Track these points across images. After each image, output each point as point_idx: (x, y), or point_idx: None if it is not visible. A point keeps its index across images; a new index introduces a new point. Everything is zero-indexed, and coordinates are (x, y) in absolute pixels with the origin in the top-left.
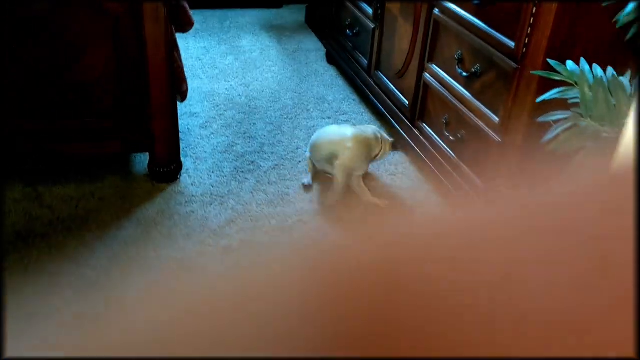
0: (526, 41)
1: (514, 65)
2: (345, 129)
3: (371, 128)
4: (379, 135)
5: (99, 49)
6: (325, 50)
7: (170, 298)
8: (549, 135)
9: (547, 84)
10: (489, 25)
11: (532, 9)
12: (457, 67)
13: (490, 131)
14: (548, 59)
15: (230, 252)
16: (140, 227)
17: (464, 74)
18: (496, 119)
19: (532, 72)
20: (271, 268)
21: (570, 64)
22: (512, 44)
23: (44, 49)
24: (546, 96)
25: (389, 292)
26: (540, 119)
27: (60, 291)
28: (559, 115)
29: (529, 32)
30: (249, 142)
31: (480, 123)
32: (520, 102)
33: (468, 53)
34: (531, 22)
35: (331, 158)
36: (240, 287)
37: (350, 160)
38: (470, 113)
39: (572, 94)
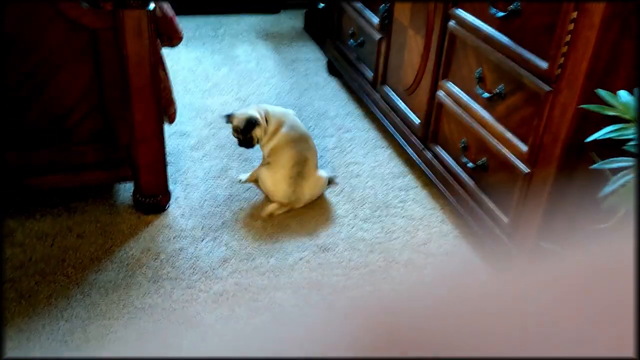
0: (562, 61)
1: (546, 87)
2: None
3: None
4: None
5: (76, 68)
6: (326, 60)
7: None
8: (607, 190)
9: (589, 112)
10: (515, 41)
11: (569, 24)
12: (477, 86)
13: (516, 160)
14: (596, 89)
15: (223, 300)
16: (123, 269)
17: (486, 94)
18: (524, 147)
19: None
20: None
21: (624, 94)
22: (544, 64)
23: (12, 70)
24: (597, 135)
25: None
26: (596, 166)
27: (30, 351)
28: (619, 162)
29: (565, 50)
30: (245, 166)
31: (505, 150)
32: (554, 129)
33: (490, 71)
34: (568, 38)
35: None
36: None
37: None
38: (493, 139)
39: (629, 134)
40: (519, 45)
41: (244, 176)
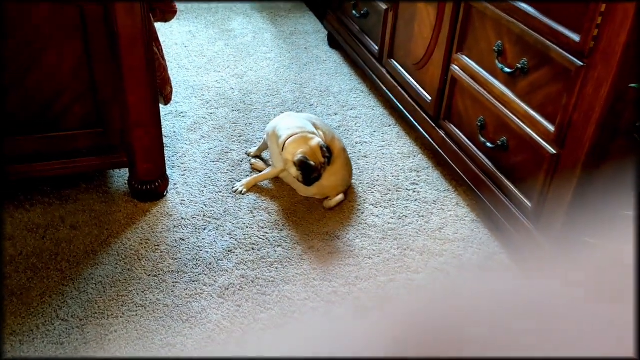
0: (596, 33)
1: (578, 62)
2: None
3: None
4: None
5: (63, 48)
6: (326, 32)
7: None
8: None
9: (625, 90)
10: (541, 12)
11: None
12: (496, 60)
13: (542, 141)
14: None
15: (230, 294)
16: (121, 262)
17: (507, 69)
18: (550, 127)
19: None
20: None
21: None
22: (575, 36)
23: None
24: None
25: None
26: None
27: (23, 354)
28: None
29: (599, 21)
30: (246, 147)
31: (528, 130)
32: (586, 108)
33: (511, 44)
34: (604, 8)
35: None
36: None
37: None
38: (515, 117)
39: None
40: (546, 16)
41: (242, 185)
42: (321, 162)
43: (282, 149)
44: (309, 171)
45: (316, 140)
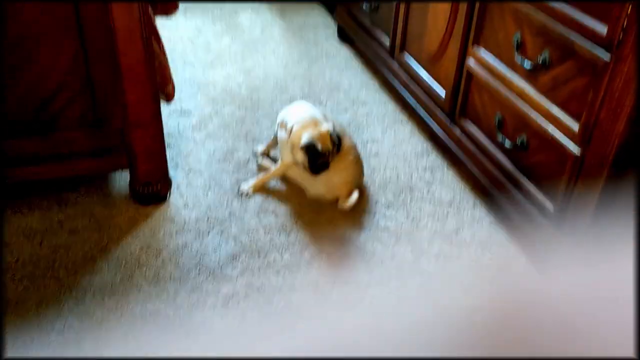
0: (625, 24)
1: (605, 56)
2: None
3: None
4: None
5: (57, 45)
6: (336, 25)
7: None
8: None
9: None
10: (564, 1)
11: None
12: (515, 53)
13: (565, 140)
14: None
15: (234, 303)
16: (120, 270)
17: (527, 63)
18: (574, 125)
19: None
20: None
21: None
22: (602, 27)
23: None
24: None
25: None
26: None
27: None
28: None
29: (630, 10)
30: (253, 146)
31: (550, 128)
32: (614, 105)
33: (532, 36)
34: None
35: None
36: None
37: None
38: (536, 114)
39: None
40: (570, 5)
41: (248, 186)
42: (329, 149)
43: (290, 135)
44: (315, 155)
45: (326, 126)
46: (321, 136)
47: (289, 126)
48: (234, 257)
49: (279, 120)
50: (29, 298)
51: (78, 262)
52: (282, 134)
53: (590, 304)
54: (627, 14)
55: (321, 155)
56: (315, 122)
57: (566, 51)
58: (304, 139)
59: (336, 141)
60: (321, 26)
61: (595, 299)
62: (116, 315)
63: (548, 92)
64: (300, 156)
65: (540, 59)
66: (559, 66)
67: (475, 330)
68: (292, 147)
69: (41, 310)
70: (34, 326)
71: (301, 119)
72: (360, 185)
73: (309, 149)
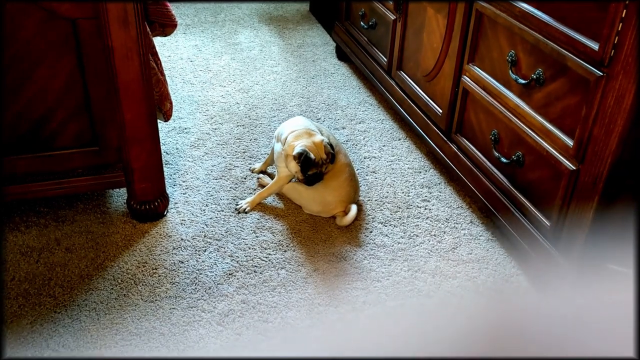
0: (616, 41)
1: (597, 72)
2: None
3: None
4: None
5: (55, 64)
6: (334, 44)
7: None
8: None
9: None
10: (557, 19)
11: None
12: (510, 71)
13: (559, 156)
14: None
15: (229, 321)
16: (116, 287)
17: (521, 80)
18: (569, 141)
19: None
20: None
21: None
22: (594, 44)
23: None
24: None
25: None
26: None
27: None
28: None
29: (620, 28)
30: (250, 164)
31: (545, 144)
32: (607, 121)
33: (525, 54)
34: (624, 14)
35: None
36: None
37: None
38: (530, 130)
39: None
40: (562, 24)
41: (245, 202)
42: (323, 159)
43: (284, 145)
44: (308, 164)
45: (320, 137)
46: (315, 145)
47: (283, 137)
48: (230, 274)
49: (275, 134)
50: (24, 316)
51: (74, 279)
52: (278, 147)
53: (586, 323)
54: (618, 32)
55: (314, 164)
56: (309, 133)
57: (559, 68)
58: (297, 148)
59: (330, 151)
60: (320, 45)
61: (592, 319)
62: (111, 333)
63: (542, 109)
64: (294, 166)
65: (534, 76)
66: (552, 83)
67: (472, 352)
68: (286, 157)
69: (36, 328)
70: (29, 344)
71: (295, 130)
72: (354, 202)
73: (302, 157)
